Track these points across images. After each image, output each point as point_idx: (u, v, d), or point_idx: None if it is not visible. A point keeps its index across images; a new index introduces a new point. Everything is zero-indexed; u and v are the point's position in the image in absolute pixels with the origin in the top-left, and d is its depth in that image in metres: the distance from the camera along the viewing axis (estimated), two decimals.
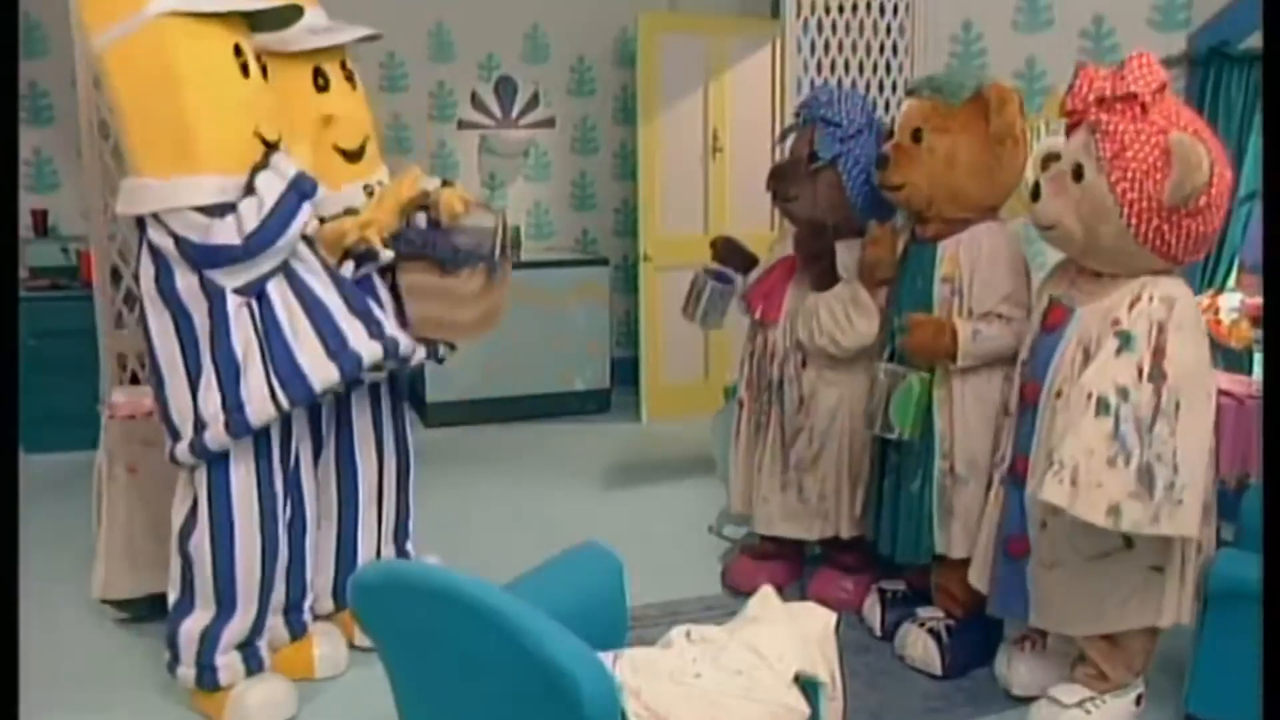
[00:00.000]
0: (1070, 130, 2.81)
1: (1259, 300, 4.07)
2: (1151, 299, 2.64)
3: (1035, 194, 2.83)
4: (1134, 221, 2.61)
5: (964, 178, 3.13)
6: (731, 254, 3.95)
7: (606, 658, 2.09)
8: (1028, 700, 3.02)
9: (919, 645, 3.25)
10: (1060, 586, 2.83)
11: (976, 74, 3.36)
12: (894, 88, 4.45)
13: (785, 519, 3.71)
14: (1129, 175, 2.60)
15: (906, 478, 3.28)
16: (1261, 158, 4.03)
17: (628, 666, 2.11)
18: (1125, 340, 2.62)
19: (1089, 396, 2.59)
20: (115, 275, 3.66)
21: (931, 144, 3.15)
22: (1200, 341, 2.65)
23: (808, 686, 2.20)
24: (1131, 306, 2.65)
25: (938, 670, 3.21)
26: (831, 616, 2.39)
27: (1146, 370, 2.57)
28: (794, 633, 2.26)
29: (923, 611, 3.34)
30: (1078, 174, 2.70)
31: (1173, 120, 2.62)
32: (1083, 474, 2.54)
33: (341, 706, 3.10)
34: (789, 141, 3.74)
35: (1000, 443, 3.05)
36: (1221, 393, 3.74)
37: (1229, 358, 4.27)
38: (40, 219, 5.78)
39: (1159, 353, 2.57)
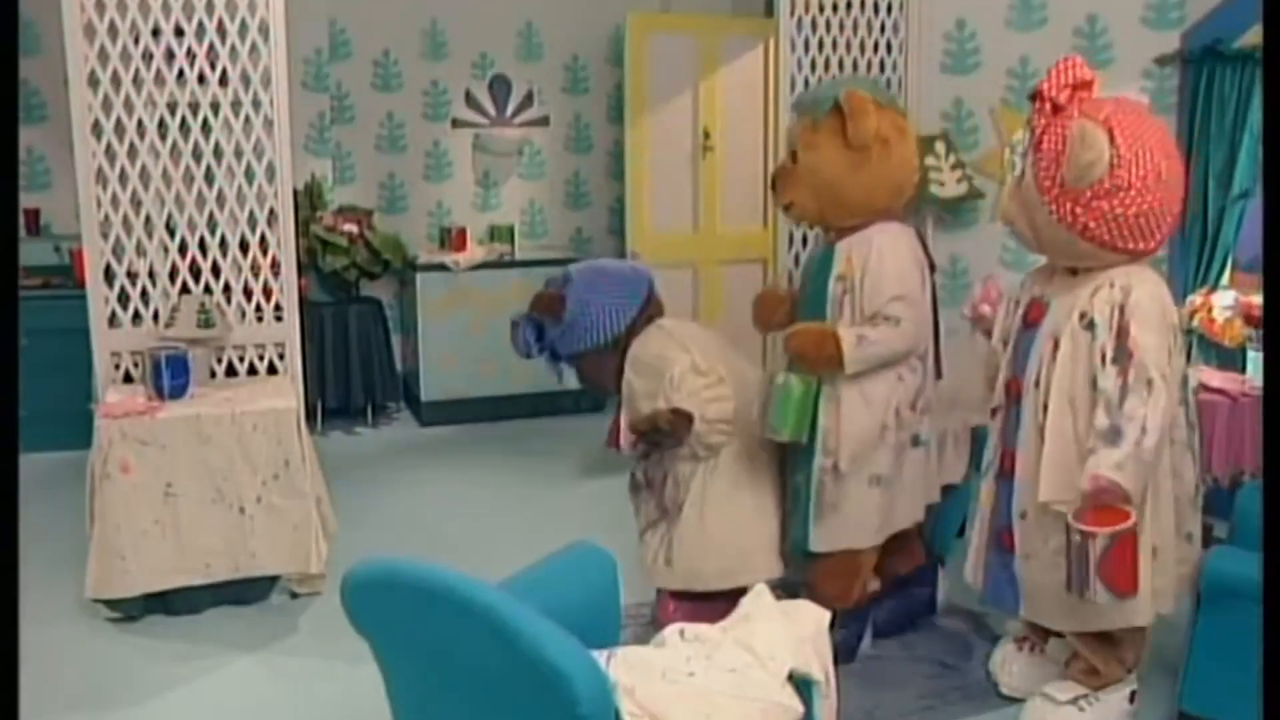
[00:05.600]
0: None
1: (1253, 299, 4.07)
2: (1113, 285, 2.75)
3: None
4: (1053, 207, 2.75)
5: (841, 187, 3.17)
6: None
7: (600, 656, 2.09)
8: (1021, 699, 3.03)
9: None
10: (1039, 579, 2.86)
11: (841, 85, 3.34)
12: (887, 86, 4.45)
13: None
14: (1043, 164, 2.77)
15: (792, 473, 3.31)
16: (1259, 156, 4.05)
17: (622, 665, 2.11)
18: (1091, 327, 2.74)
19: (1062, 392, 2.77)
20: (108, 274, 3.64)
21: (805, 161, 3.23)
22: (1160, 329, 2.70)
23: (801, 685, 2.20)
24: (1094, 295, 2.76)
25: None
26: (825, 615, 2.40)
27: (1111, 353, 2.69)
28: (788, 631, 2.27)
29: None
30: (1022, 176, 2.86)
31: (1093, 113, 2.72)
32: (1060, 459, 2.74)
33: (335, 704, 3.10)
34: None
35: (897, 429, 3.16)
36: (1215, 390, 3.76)
37: (1222, 356, 4.27)
38: (32, 218, 5.77)
39: (1122, 334, 2.69)
